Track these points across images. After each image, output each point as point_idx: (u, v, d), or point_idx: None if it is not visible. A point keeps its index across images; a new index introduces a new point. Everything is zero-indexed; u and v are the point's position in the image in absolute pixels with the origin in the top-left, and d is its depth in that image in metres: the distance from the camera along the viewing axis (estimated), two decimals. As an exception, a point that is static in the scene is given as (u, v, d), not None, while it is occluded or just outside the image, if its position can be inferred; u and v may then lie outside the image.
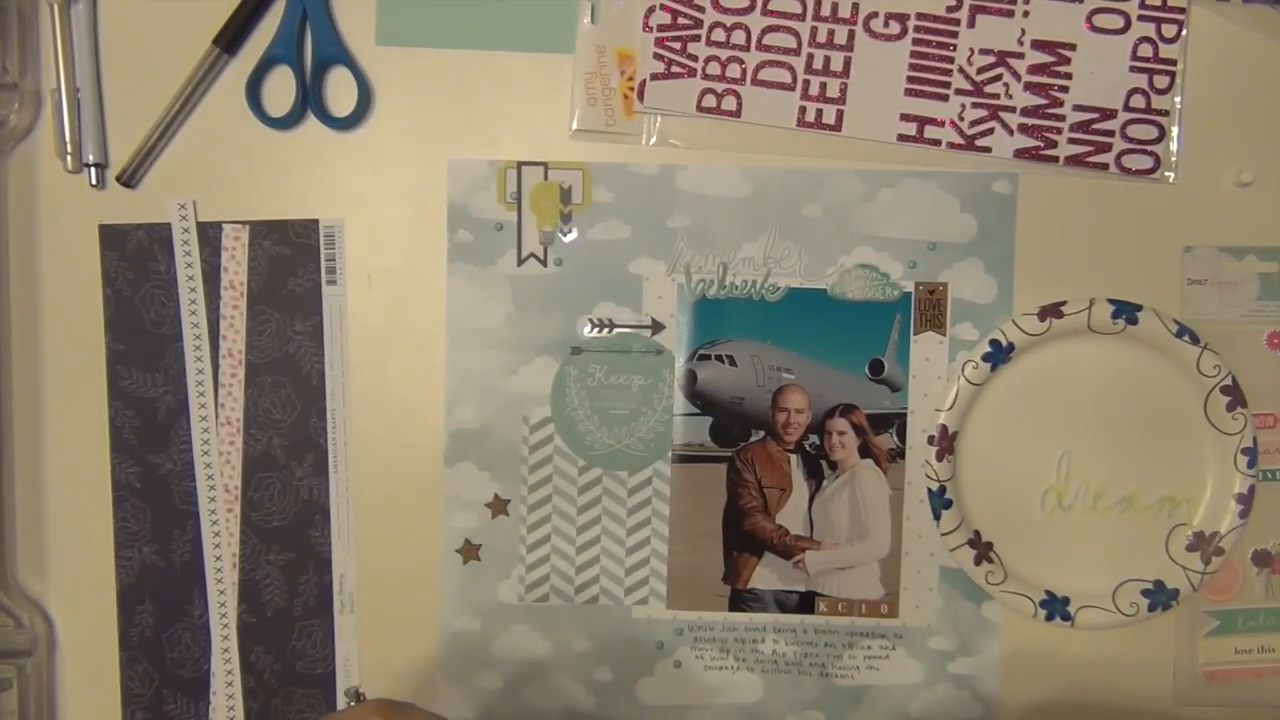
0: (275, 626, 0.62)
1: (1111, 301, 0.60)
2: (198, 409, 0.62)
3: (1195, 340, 0.60)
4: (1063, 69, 0.60)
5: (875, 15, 0.59)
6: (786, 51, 0.60)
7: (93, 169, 0.60)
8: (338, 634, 0.62)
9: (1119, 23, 0.60)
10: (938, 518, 0.61)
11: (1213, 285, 0.61)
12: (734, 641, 0.63)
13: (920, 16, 0.59)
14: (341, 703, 0.47)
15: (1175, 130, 0.60)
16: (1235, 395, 0.60)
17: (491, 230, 0.61)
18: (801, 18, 0.59)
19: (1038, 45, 0.60)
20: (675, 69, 0.60)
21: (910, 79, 0.60)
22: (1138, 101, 0.60)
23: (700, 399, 0.62)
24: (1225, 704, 0.63)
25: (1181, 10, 0.59)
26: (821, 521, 0.62)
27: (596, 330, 0.62)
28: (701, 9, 0.59)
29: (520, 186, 0.61)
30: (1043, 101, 0.60)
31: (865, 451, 0.62)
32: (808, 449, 0.62)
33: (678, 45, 0.60)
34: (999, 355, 0.60)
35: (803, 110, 0.60)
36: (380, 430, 0.62)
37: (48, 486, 0.62)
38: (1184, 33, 0.60)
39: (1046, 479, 0.62)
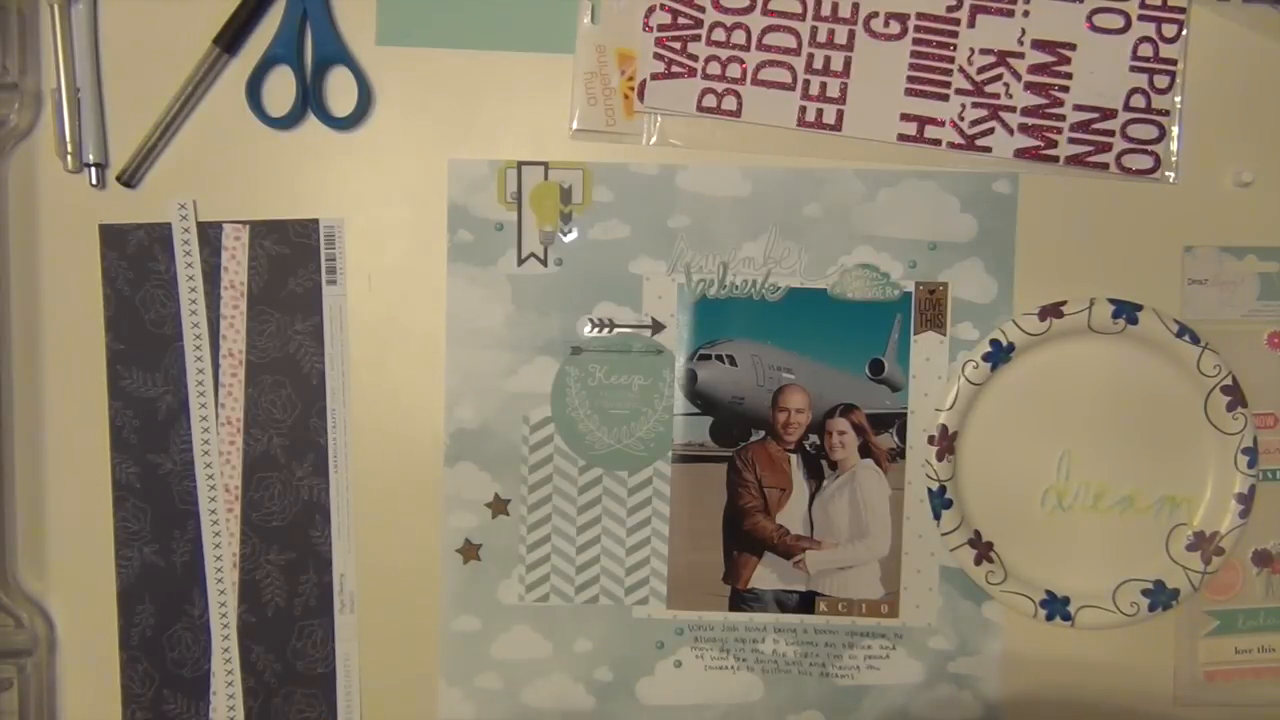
0: (275, 626, 0.62)
1: (1112, 301, 0.60)
2: (198, 409, 0.62)
3: (1195, 340, 0.60)
4: (1063, 69, 0.60)
5: (875, 15, 0.59)
6: (787, 51, 0.60)
7: (93, 169, 0.60)
8: (338, 634, 0.62)
9: (1119, 22, 0.60)
10: (938, 517, 0.61)
11: (1213, 285, 0.61)
12: (734, 641, 0.63)
13: (920, 16, 0.59)
14: None
15: (1175, 130, 0.60)
16: (1235, 395, 0.60)
17: (492, 230, 0.61)
18: (802, 17, 0.59)
19: (1038, 45, 0.60)
20: (675, 69, 0.60)
21: (910, 79, 0.60)
22: (1138, 101, 0.60)
23: (700, 399, 0.62)
24: (1225, 704, 0.63)
25: (1181, 10, 0.60)
26: (822, 521, 0.62)
27: (597, 330, 0.62)
28: (702, 9, 0.59)
29: (520, 186, 0.61)
30: (1043, 101, 0.60)
31: (865, 451, 0.62)
32: (808, 449, 0.62)
33: (678, 45, 0.60)
34: (999, 355, 0.60)
35: (803, 110, 0.60)
36: (380, 430, 0.62)
37: (48, 486, 0.62)
38: (1184, 32, 0.60)
39: (1046, 479, 0.62)
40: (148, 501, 0.62)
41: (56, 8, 0.59)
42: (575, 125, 0.60)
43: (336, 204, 0.61)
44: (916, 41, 0.60)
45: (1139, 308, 0.60)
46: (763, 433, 0.62)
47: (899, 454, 0.62)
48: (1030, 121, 0.60)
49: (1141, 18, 0.59)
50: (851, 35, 0.60)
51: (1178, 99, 0.60)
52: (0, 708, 0.60)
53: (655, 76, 0.60)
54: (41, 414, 0.62)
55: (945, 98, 0.60)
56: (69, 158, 0.60)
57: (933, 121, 0.60)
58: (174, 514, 0.62)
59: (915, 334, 0.62)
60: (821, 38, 0.60)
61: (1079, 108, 0.60)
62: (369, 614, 0.62)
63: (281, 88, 0.60)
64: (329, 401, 0.62)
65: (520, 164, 0.61)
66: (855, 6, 0.59)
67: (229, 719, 0.63)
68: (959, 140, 0.60)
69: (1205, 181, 0.61)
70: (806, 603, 0.63)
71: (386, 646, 0.62)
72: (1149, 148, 0.60)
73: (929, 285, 0.61)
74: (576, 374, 0.62)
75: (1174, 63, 0.60)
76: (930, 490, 0.61)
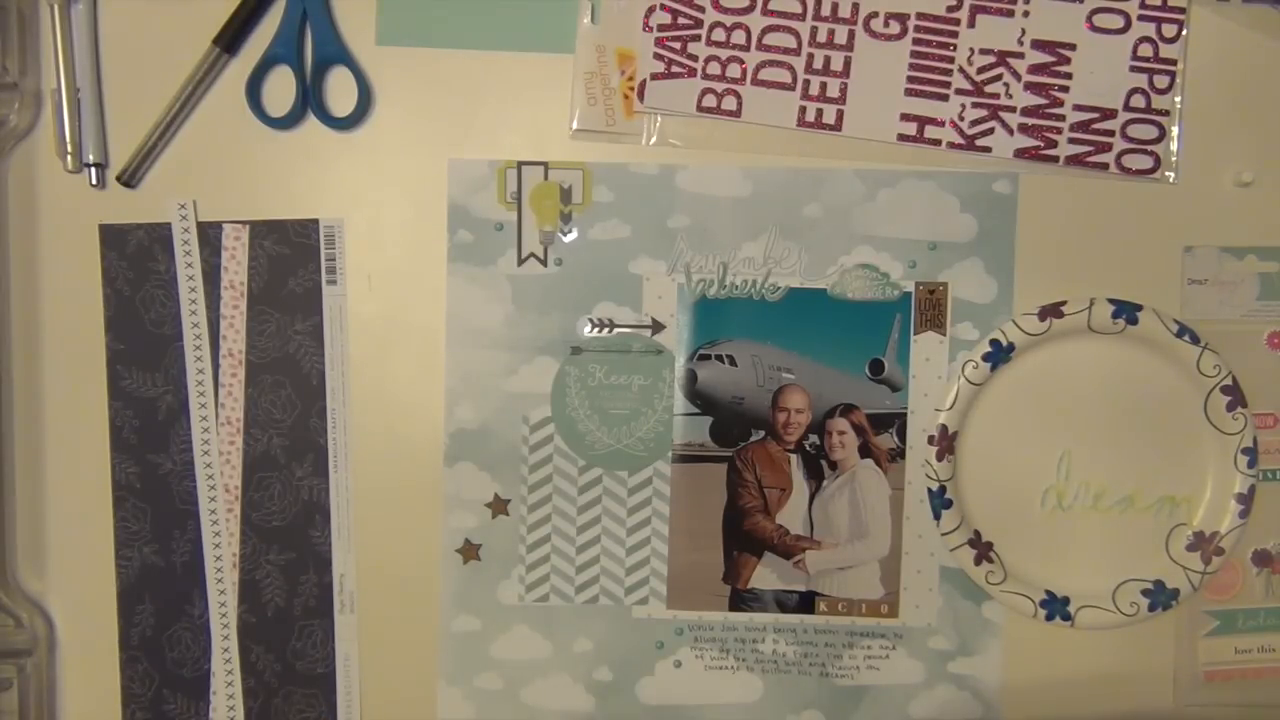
0: (275, 626, 0.62)
1: (1111, 301, 0.60)
2: (198, 409, 0.62)
3: (1195, 340, 0.60)
4: (1063, 69, 0.60)
5: (875, 15, 0.59)
6: (786, 51, 0.60)
7: (93, 169, 0.60)
8: (338, 634, 0.62)
9: (1119, 23, 0.60)
10: (938, 518, 0.61)
11: (1213, 285, 0.61)
12: (734, 641, 0.63)
13: (920, 16, 0.59)
14: None
15: (1175, 130, 0.60)
16: (1235, 395, 0.60)
17: (491, 230, 0.61)
18: (801, 17, 0.59)
19: (1038, 45, 0.60)
20: (675, 69, 0.60)
21: (910, 79, 0.60)
22: (1138, 101, 0.60)
23: (700, 399, 0.62)
24: (1225, 704, 0.63)
25: (1181, 10, 0.60)
26: (821, 521, 0.62)
27: (596, 330, 0.62)
28: (701, 9, 0.59)
29: (520, 186, 0.61)
30: (1043, 101, 0.60)
31: (865, 451, 0.62)
32: (808, 449, 0.62)
33: (678, 45, 0.60)
34: (999, 355, 0.60)
35: (803, 110, 0.60)
36: (380, 430, 0.62)
37: (48, 486, 0.62)
38: (1184, 33, 0.60)
39: (1046, 479, 0.62)
40: (148, 501, 0.62)
41: (56, 8, 0.59)
42: (575, 125, 0.60)
43: (336, 204, 0.61)
44: (916, 41, 0.60)
45: (1139, 308, 0.60)
46: (763, 433, 0.62)
47: (899, 454, 0.62)
48: (1030, 121, 0.60)
49: (1141, 18, 0.59)
50: (851, 35, 0.60)
51: (1178, 99, 0.60)
52: (0, 708, 0.60)
53: (655, 76, 0.60)
54: (41, 414, 0.62)
55: (945, 98, 0.60)
56: (69, 158, 0.60)
57: (933, 121, 0.60)
58: (174, 514, 0.62)
59: (915, 334, 0.62)
60: (821, 38, 0.60)
61: (1079, 108, 0.60)
62: (369, 614, 0.62)
63: (281, 88, 0.60)
64: (329, 401, 0.62)
65: (520, 164, 0.61)
66: (855, 6, 0.59)
67: (229, 719, 0.63)
68: (959, 140, 0.60)
69: (1205, 181, 0.61)
70: (806, 603, 0.63)
71: (386, 646, 0.62)
72: (1149, 148, 0.60)
73: (929, 285, 0.61)
74: (576, 374, 0.62)
75: (1174, 63, 0.60)
76: (930, 490, 0.61)
